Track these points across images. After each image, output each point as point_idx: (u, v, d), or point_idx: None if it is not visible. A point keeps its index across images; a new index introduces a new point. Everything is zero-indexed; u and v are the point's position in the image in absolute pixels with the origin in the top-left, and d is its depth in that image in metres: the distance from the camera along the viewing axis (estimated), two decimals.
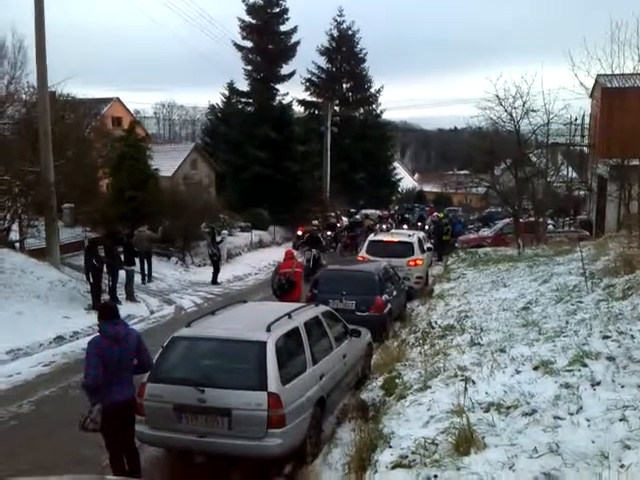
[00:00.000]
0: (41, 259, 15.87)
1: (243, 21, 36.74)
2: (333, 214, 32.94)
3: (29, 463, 6.80)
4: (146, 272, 18.75)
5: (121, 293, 15.79)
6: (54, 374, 10.38)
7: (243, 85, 37.89)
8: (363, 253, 17.35)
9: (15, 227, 18.25)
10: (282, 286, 12.41)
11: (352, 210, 35.65)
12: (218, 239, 20.74)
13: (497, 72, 34.81)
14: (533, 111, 20.88)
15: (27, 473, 5.93)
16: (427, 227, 31.40)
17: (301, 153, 36.04)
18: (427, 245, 19.69)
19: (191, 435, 6.34)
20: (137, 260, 17.58)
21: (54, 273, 15.28)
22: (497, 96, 20.58)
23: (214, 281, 19.70)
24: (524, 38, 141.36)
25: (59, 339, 12.21)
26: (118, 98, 39.87)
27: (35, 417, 8.45)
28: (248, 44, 37.11)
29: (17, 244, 17.85)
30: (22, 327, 12.00)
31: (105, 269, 15.01)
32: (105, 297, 14.90)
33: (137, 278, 17.30)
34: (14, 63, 18.39)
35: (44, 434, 7.80)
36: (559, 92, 21.46)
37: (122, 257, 16.14)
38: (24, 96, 19.74)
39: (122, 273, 15.85)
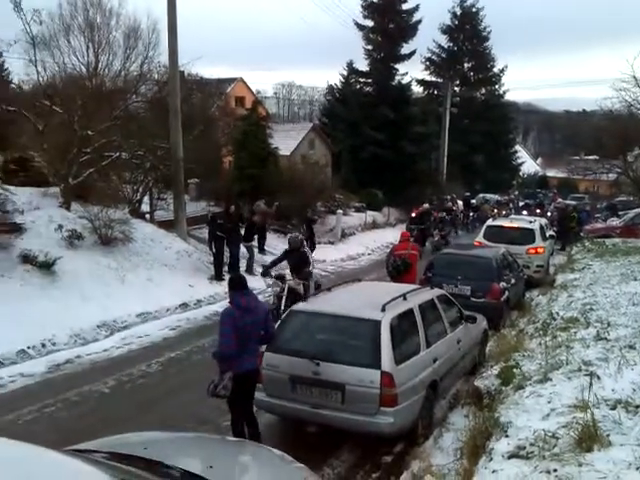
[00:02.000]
0: (169, 230, 16.83)
1: (365, 0, 36.51)
2: (448, 197, 32.26)
3: (155, 419, 7.32)
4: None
5: (241, 266, 16.39)
6: (179, 338, 11.07)
7: (362, 65, 37.77)
8: (480, 238, 16.87)
9: (146, 200, 19.47)
10: (397, 267, 12.35)
11: (467, 194, 34.71)
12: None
13: (635, 51, 32.22)
14: None
15: (153, 428, 6.35)
16: (549, 214, 29.96)
17: (418, 134, 35.45)
18: (549, 233, 18.80)
19: (305, 406, 6.55)
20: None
21: (181, 244, 16.18)
22: (634, 77, 19.14)
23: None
24: None
25: (184, 305, 12.95)
26: (241, 78, 41.04)
27: (161, 377, 9.06)
28: (369, 23, 36.86)
29: (147, 215, 19.05)
30: (151, 293, 12.82)
31: (226, 242, 15.66)
32: (226, 269, 15.59)
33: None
34: (148, 44, 19.38)
35: (169, 393, 8.35)
36: None
37: (242, 232, 16.73)
38: (156, 75, 20.80)
39: (242, 248, 16.46)
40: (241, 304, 6.22)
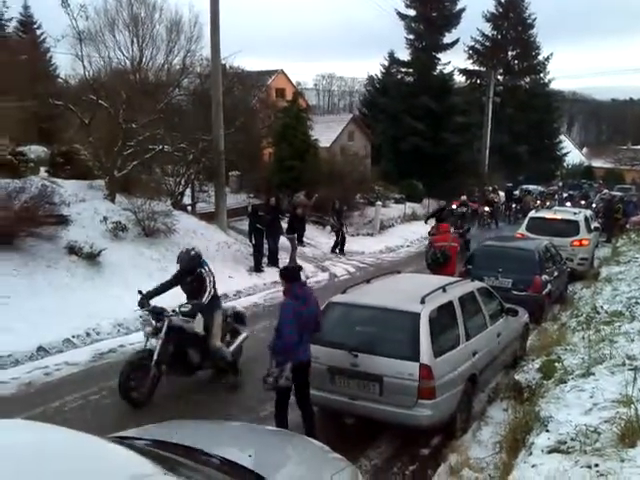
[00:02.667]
0: (210, 222, 17.07)
1: None
2: (490, 188, 31.77)
3: (198, 407, 7.47)
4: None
5: (281, 258, 16.50)
6: None
7: (404, 55, 37.55)
8: (523, 230, 16.58)
9: (188, 192, 19.77)
10: (437, 259, 12.27)
11: (509, 185, 34.13)
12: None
13: None
14: None
15: (195, 416, 6.49)
16: (594, 205, 29.23)
17: (460, 124, 35.00)
18: (594, 225, 18.35)
19: (343, 397, 6.58)
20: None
21: (221, 235, 16.38)
22: None
23: (334, 250, 19.46)
24: None
25: (223, 296, 12.99)
26: (282, 70, 41.16)
27: None
28: (411, 12, 36.60)
29: (189, 208, 19.35)
30: None
31: (266, 234, 15.79)
32: (265, 261, 15.74)
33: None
34: (190, 37, 19.67)
35: (210, 383, 8.44)
36: None
37: (284, 225, 16.80)
38: (198, 69, 21.08)
39: (284, 241, 16.54)
40: (298, 295, 6.32)
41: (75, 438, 3.07)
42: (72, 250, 11.93)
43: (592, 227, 17.62)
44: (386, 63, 39.00)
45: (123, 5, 19.26)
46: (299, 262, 17.17)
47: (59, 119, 21.16)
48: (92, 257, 11.96)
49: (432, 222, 16.65)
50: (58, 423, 3.14)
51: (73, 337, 9.75)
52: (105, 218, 13.37)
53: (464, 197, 26.06)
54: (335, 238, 19.77)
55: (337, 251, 19.50)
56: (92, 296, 10.99)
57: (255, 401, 7.64)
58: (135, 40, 19.33)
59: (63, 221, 12.59)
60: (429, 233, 15.24)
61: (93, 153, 16.21)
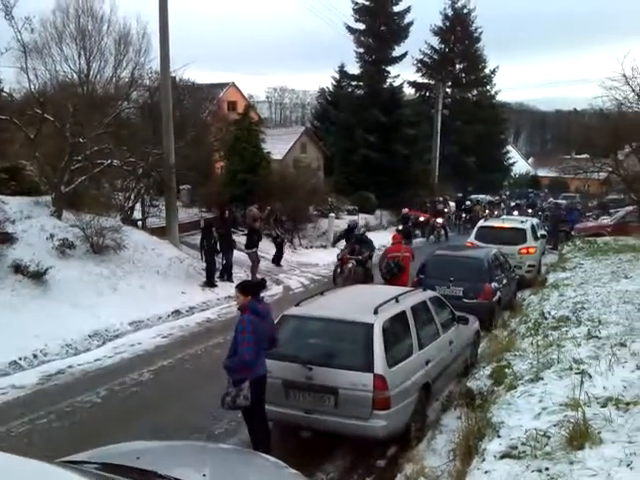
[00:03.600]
0: (161, 237, 16.81)
1: (356, 3, 36.64)
2: (440, 199, 32.35)
3: (147, 428, 7.28)
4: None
5: (235, 273, 16.36)
6: (171, 346, 11.01)
7: (354, 68, 37.93)
8: (472, 239, 16.92)
9: (138, 207, 19.44)
10: (391, 270, 12.41)
11: (459, 195, 34.79)
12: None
13: (625, 49, 32.41)
14: None
15: (146, 437, 6.34)
16: (541, 213, 30.10)
17: (411, 136, 35.60)
18: (541, 232, 18.88)
19: (298, 411, 6.55)
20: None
21: (173, 251, 16.15)
22: (624, 75, 19.23)
23: (277, 263, 19.08)
24: None
25: (176, 313, 12.93)
26: (234, 83, 41.11)
27: (153, 386, 9.00)
28: (361, 26, 37.03)
29: (139, 222, 19.02)
30: (143, 300, 12.78)
31: (219, 248, 15.64)
32: (218, 275, 15.58)
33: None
34: (138, 50, 19.45)
35: (161, 402, 8.30)
36: None
37: (238, 239, 16.66)
38: (147, 81, 20.83)
39: (238, 255, 16.36)
40: (258, 310, 6.24)
41: (21, 464, 2.96)
42: (17, 269, 11.55)
43: (539, 235, 18.10)
44: (337, 76, 39.38)
45: (70, 17, 18.93)
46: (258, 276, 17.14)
47: (3, 134, 20.52)
48: (38, 276, 11.60)
49: (342, 244, 16.47)
50: (3, 449, 3.02)
51: (19, 359, 9.43)
52: (52, 235, 13.01)
53: (405, 210, 26.46)
54: (276, 250, 19.31)
55: (281, 264, 19.14)
56: (39, 316, 10.67)
57: (210, 419, 7.54)
58: (82, 53, 19.01)
59: (8, 239, 12.20)
60: (338, 257, 15.19)
61: (39, 168, 15.77)
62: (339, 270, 15.48)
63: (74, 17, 18.71)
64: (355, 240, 15.89)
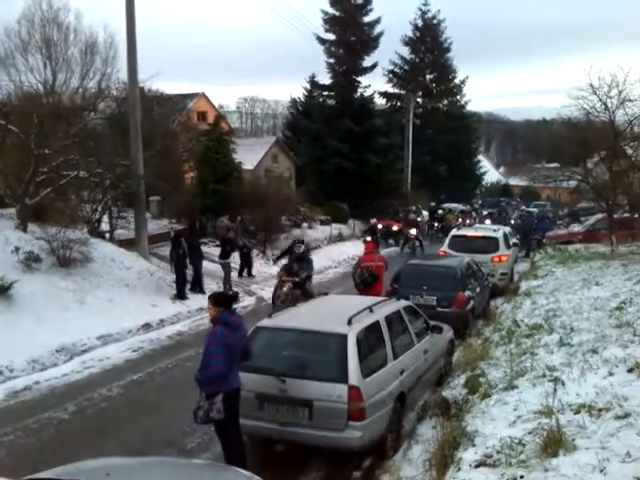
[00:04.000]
0: (130, 249, 16.52)
1: (326, 13, 36.72)
2: (413, 208, 32.51)
3: (117, 444, 7.08)
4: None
5: (206, 284, 16.16)
6: (141, 360, 10.79)
7: (325, 78, 38.01)
8: (445, 248, 16.99)
9: (105, 218, 19.11)
10: (365, 280, 12.34)
11: (432, 204, 35.04)
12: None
13: (591, 60, 33.12)
14: (630, 101, 19.66)
15: (116, 454, 6.16)
16: (513, 222, 30.43)
17: (382, 146, 35.74)
18: (513, 241, 19.06)
19: (273, 424, 6.43)
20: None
21: (142, 263, 15.89)
22: (591, 85, 19.53)
23: (248, 274, 18.74)
24: (616, 25, 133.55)
25: (146, 326, 12.68)
26: (203, 93, 40.91)
27: (123, 401, 8.80)
28: (331, 37, 37.11)
29: (107, 235, 18.69)
30: (112, 314, 12.53)
31: (189, 260, 15.44)
32: (189, 287, 15.37)
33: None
34: (105, 60, 19.16)
35: (131, 417, 8.12)
36: None
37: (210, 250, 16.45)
38: (115, 92, 20.56)
39: (207, 265, 16.18)
40: (229, 322, 6.08)
41: None
42: None
43: (511, 243, 18.27)
44: (308, 86, 39.47)
45: (35, 27, 18.58)
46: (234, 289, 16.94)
47: None
48: (3, 290, 11.30)
49: (283, 261, 15.16)
50: None
51: None
52: (17, 248, 12.70)
53: (373, 220, 26.30)
54: (240, 261, 18.84)
55: (245, 274, 18.73)
56: (3, 331, 10.39)
57: (181, 434, 7.36)
58: (48, 63, 18.66)
59: None
60: (278, 275, 14.09)
61: (3, 180, 15.42)
62: (277, 293, 13.91)
63: (39, 26, 18.36)
64: (295, 258, 14.09)
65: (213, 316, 6.20)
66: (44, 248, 13.24)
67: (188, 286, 15.38)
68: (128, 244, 17.24)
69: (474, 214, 37.89)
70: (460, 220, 32.28)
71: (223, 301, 6.28)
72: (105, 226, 19.11)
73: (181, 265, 15.08)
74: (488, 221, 30.18)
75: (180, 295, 14.79)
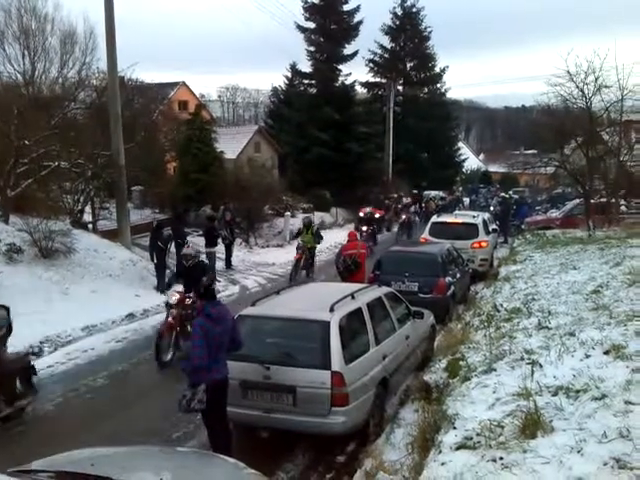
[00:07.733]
0: (113, 240, 16.47)
1: (306, 2, 36.53)
2: (395, 195, 32.64)
3: (103, 434, 7.11)
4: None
5: None
6: (126, 350, 10.81)
7: (306, 66, 37.91)
8: (426, 235, 17.15)
9: (88, 209, 19.00)
10: (348, 267, 12.47)
11: (414, 191, 35.20)
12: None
13: (569, 47, 33.41)
14: (606, 87, 19.90)
15: (102, 444, 6.21)
16: (492, 208, 30.70)
17: (364, 134, 35.80)
18: (492, 227, 19.27)
19: (257, 411, 6.53)
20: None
21: (125, 253, 15.86)
22: (568, 72, 19.73)
23: (228, 265, 18.79)
24: (593, 12, 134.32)
25: (130, 316, 12.69)
26: (184, 82, 40.61)
27: (108, 391, 8.84)
28: (311, 25, 36.99)
29: (90, 225, 18.60)
30: (96, 305, 12.50)
31: (173, 249, 15.42)
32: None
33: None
34: (85, 49, 19.05)
35: (117, 407, 8.15)
36: (634, 67, 20.16)
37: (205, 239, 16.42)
38: (95, 81, 20.40)
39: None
40: (212, 314, 6.13)
41: None
42: None
43: (490, 229, 18.47)
44: (289, 74, 39.29)
45: (12, 17, 18.36)
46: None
47: None
48: None
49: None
50: None
51: None
52: None
53: (367, 209, 25.73)
54: (226, 252, 18.88)
55: (232, 263, 18.84)
56: None
57: (167, 423, 7.44)
58: (26, 53, 18.47)
59: None
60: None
61: None
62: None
63: (16, 16, 18.15)
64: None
65: (198, 308, 6.27)
66: (26, 240, 13.17)
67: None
68: (111, 235, 17.18)
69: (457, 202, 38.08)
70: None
71: (206, 293, 6.35)
72: (88, 217, 19.01)
73: (160, 255, 14.96)
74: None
75: (159, 286, 14.45)
